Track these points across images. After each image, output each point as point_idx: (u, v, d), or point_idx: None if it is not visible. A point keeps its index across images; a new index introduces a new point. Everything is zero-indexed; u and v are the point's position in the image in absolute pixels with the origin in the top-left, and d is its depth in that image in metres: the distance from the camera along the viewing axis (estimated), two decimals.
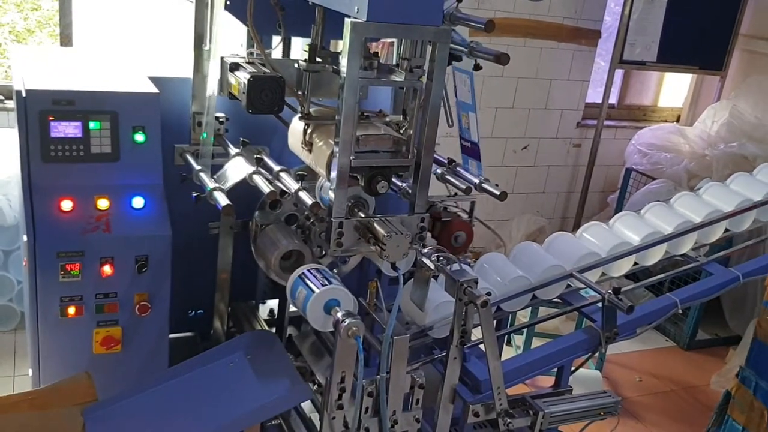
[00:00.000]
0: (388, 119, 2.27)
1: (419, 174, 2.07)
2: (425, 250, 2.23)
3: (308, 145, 2.20)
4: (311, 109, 2.29)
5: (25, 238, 2.19)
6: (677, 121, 5.60)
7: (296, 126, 2.26)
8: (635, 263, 2.79)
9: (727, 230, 2.93)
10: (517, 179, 5.16)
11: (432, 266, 2.19)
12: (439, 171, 2.55)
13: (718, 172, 4.14)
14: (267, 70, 2.31)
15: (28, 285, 2.28)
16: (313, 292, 1.98)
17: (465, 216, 2.66)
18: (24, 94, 2.22)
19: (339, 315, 1.95)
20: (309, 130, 2.18)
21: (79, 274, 2.23)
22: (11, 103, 3.58)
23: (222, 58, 2.45)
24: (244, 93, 2.24)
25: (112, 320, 2.33)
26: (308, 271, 2.09)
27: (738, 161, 4.22)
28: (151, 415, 2.04)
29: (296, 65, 2.37)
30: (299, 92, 2.33)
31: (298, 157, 2.51)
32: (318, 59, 2.33)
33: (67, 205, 2.23)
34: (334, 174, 1.99)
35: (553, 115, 5.12)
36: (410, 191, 2.25)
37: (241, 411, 2.01)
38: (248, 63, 2.42)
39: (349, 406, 2.10)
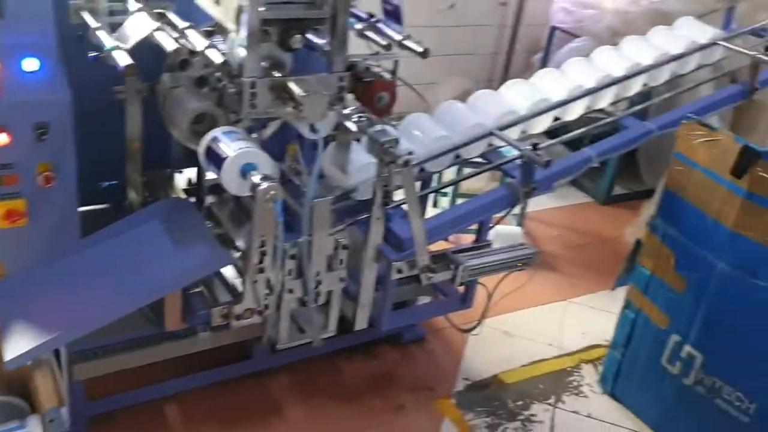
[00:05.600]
0: None
1: (336, 27, 1.97)
2: (346, 112, 2.17)
3: None
4: None
5: None
6: None
7: None
8: (556, 119, 2.81)
9: (645, 84, 2.96)
10: (443, 40, 5.03)
11: (353, 128, 2.14)
12: (358, 27, 2.44)
13: (639, 28, 4.11)
14: None
15: None
16: (227, 155, 1.91)
17: (388, 76, 2.59)
18: None
19: (256, 179, 1.89)
20: None
21: None
22: None
23: None
24: None
25: (13, 192, 2.19)
26: (222, 134, 2.01)
27: (659, 17, 4.19)
28: (65, 285, 1.99)
29: None
30: None
31: (208, 14, 2.36)
32: None
33: None
34: (244, 28, 1.88)
35: None
36: (328, 49, 2.16)
37: (159, 278, 1.98)
38: None
39: (271, 269, 2.09)
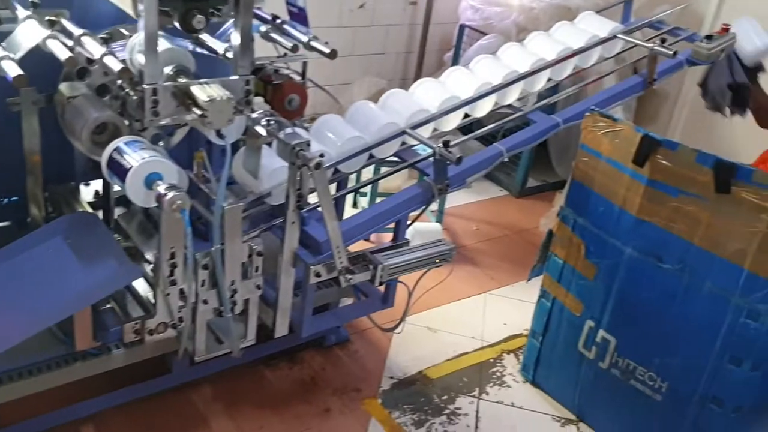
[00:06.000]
0: None
1: (239, 26, 1.94)
2: (254, 115, 2.14)
3: None
4: None
5: None
6: None
7: None
8: (467, 116, 2.85)
9: (550, 79, 3.03)
10: (355, 40, 5.04)
11: (262, 132, 2.11)
12: (263, 29, 2.41)
13: (544, 24, 4.22)
14: None
15: None
16: (131, 166, 1.85)
17: (298, 78, 2.57)
18: None
19: (161, 189, 1.84)
20: None
21: None
22: None
23: None
24: None
25: None
26: (125, 143, 1.94)
27: (563, 12, 4.31)
28: None
29: None
30: None
31: (108, 20, 2.28)
32: None
33: None
34: (142, 31, 1.82)
35: None
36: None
37: (66, 296, 1.90)
38: None
39: (184, 281, 2.04)
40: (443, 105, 2.70)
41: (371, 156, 2.60)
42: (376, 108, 2.70)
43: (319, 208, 2.33)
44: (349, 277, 2.29)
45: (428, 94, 2.78)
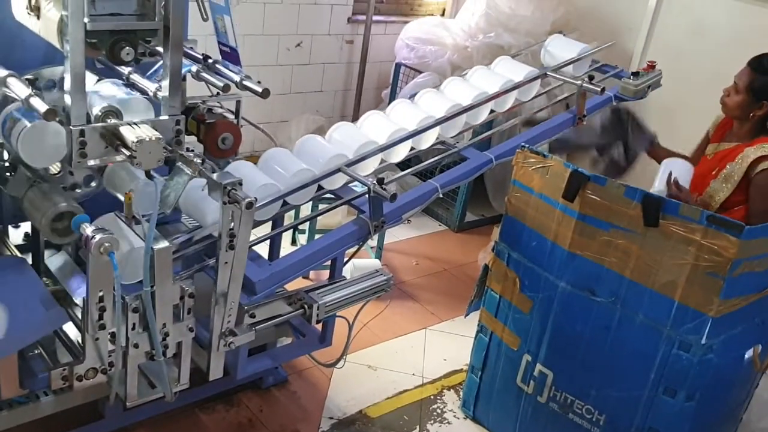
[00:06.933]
0: None
1: (168, 65, 1.93)
2: (185, 155, 2.11)
3: (35, 10, 1.93)
4: None
5: None
6: (442, 14, 5.76)
7: None
8: (412, 148, 2.84)
9: (492, 110, 3.07)
10: (293, 78, 5.07)
11: (189, 171, 2.09)
12: (194, 69, 2.39)
13: (478, 62, 4.33)
14: None
15: None
16: None
17: (231, 117, 2.55)
18: None
19: (88, 231, 1.79)
20: None
21: None
22: None
23: None
24: None
25: None
26: None
27: (495, 51, 4.43)
28: None
29: None
30: None
31: (36, 60, 2.24)
32: None
33: None
34: (68, 70, 1.80)
35: (324, 10, 5.03)
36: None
37: None
38: None
39: (114, 324, 1.98)
40: (391, 137, 2.69)
41: (320, 188, 2.58)
42: (323, 141, 2.68)
43: (255, 248, 2.31)
44: (230, 340, 2.23)
45: (375, 127, 2.78)
